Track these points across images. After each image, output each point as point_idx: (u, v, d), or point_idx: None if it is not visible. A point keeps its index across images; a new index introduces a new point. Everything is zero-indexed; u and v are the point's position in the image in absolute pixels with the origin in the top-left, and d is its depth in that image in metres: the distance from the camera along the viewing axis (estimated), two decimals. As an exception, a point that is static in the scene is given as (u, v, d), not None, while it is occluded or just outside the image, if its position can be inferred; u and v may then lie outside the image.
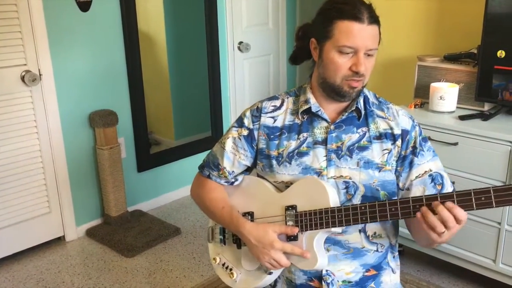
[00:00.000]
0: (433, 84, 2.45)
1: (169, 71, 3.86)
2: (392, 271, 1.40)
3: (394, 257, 1.42)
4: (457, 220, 1.11)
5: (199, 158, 1.52)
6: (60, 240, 2.98)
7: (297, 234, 1.28)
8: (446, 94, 2.39)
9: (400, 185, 1.33)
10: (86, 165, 3.00)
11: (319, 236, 1.27)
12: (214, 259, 1.49)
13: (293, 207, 1.29)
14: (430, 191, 1.30)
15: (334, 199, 1.25)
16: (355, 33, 1.20)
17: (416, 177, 1.31)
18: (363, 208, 1.20)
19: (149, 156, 3.35)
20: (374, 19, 1.23)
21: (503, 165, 2.13)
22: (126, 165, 3.15)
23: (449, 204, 1.10)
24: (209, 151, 1.52)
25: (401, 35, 2.94)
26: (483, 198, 1.09)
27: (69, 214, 2.95)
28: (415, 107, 2.55)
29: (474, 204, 1.10)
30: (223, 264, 1.47)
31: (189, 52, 3.81)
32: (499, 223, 2.20)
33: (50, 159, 2.81)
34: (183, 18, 3.79)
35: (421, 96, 2.60)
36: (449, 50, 2.63)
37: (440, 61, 2.58)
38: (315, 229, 1.25)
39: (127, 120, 3.15)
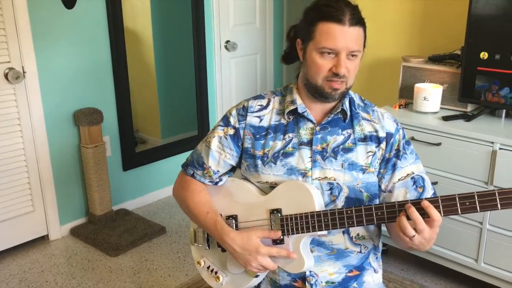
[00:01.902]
0: (417, 85, 2.47)
1: (155, 69, 3.84)
2: (374, 271, 1.41)
3: (376, 257, 1.43)
4: (431, 221, 1.11)
5: (185, 157, 1.51)
6: (43, 239, 2.96)
7: (283, 237, 1.28)
8: (430, 95, 2.41)
9: (383, 187, 1.34)
10: (71, 163, 2.97)
11: (305, 239, 1.28)
12: (199, 262, 1.48)
13: (278, 210, 1.29)
14: (412, 193, 1.32)
15: (319, 203, 1.25)
16: (335, 35, 1.21)
17: (399, 179, 1.32)
18: (349, 212, 1.20)
19: (135, 154, 3.33)
20: (357, 21, 1.22)
21: (485, 166, 2.16)
22: (111, 164, 3.13)
23: (424, 202, 1.11)
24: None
25: (387, 36, 2.97)
26: (467, 203, 1.10)
27: (53, 213, 2.93)
28: (399, 107, 2.57)
29: (459, 208, 1.11)
30: (208, 267, 1.46)
31: (176, 51, 3.79)
32: (481, 223, 2.23)
33: (34, 158, 2.79)
34: (170, 16, 3.77)
35: (406, 97, 2.62)
36: (434, 51, 2.66)
37: (425, 62, 2.60)
38: (301, 233, 1.25)
39: (113, 118, 3.13)
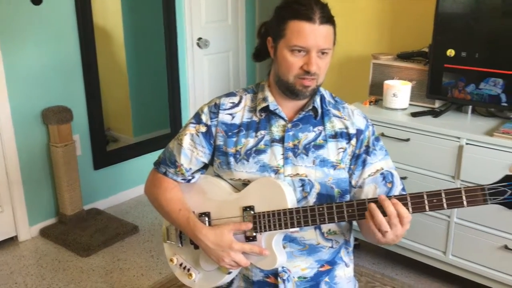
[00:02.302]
0: (386, 82, 2.52)
1: (127, 67, 3.80)
2: (346, 265, 1.43)
3: (348, 252, 1.45)
4: (400, 217, 1.13)
5: (158, 155, 1.50)
6: (12, 240, 2.89)
7: (255, 234, 1.29)
8: (399, 92, 2.46)
9: (353, 183, 1.36)
10: (40, 163, 2.92)
11: (278, 236, 1.28)
12: (171, 259, 1.48)
13: (251, 207, 1.29)
14: (381, 189, 1.34)
15: (291, 200, 1.26)
16: (306, 33, 1.22)
17: (369, 175, 1.34)
18: (320, 209, 1.21)
19: (106, 153, 3.28)
20: (327, 19, 1.24)
21: (452, 160, 2.21)
22: (81, 163, 3.09)
23: (393, 200, 1.13)
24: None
25: (357, 34, 3.01)
26: (435, 201, 1.12)
27: (21, 214, 2.86)
28: (370, 104, 2.61)
29: (426, 206, 1.13)
30: (181, 265, 1.46)
31: (148, 48, 3.76)
32: (449, 216, 2.28)
33: (1, 157, 2.72)
34: (141, 12, 3.73)
35: (376, 93, 2.67)
36: (402, 49, 2.71)
37: (394, 60, 2.65)
38: (273, 230, 1.26)
39: (83, 116, 3.08)
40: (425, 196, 1.13)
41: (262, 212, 1.27)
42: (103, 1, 3.55)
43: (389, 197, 1.16)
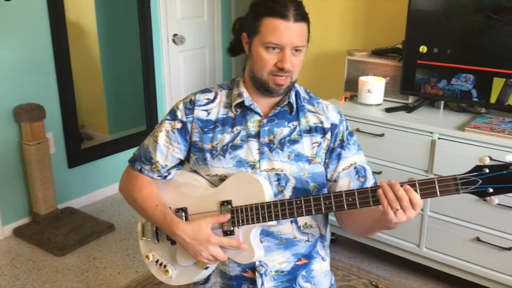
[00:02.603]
0: (361, 78, 2.54)
1: (101, 63, 3.74)
2: (322, 259, 1.45)
3: (324, 246, 1.46)
4: (412, 203, 1.13)
5: (134, 152, 1.49)
6: (-16, 241, 2.84)
7: (233, 229, 1.29)
8: (374, 88, 2.49)
9: (328, 176, 1.37)
10: (12, 161, 2.86)
11: (255, 230, 1.29)
12: (147, 256, 1.46)
13: (228, 202, 1.29)
14: (354, 182, 1.36)
15: (269, 194, 1.27)
16: (280, 30, 1.22)
17: (343, 169, 1.36)
18: (298, 202, 1.22)
19: (80, 151, 3.24)
20: (301, 17, 1.25)
21: (425, 154, 2.26)
22: (55, 161, 3.04)
23: (406, 186, 1.14)
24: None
25: (332, 31, 3.03)
26: None
27: (-7, 214, 2.81)
28: (345, 100, 2.64)
29: None
30: (157, 261, 1.45)
31: (122, 44, 3.71)
32: (422, 210, 2.33)
33: (-29, 156, 2.66)
34: (115, 8, 3.68)
35: (351, 90, 2.69)
36: (377, 45, 2.74)
37: (368, 56, 2.68)
38: (251, 224, 1.26)
39: (56, 114, 3.03)
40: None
41: (240, 206, 1.28)
42: (76, -3, 3.50)
43: (366, 189, 1.17)
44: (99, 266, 2.64)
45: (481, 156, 1.13)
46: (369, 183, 1.37)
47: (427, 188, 1.14)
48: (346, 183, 1.36)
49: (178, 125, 1.37)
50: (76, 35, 3.28)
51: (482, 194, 1.12)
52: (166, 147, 1.38)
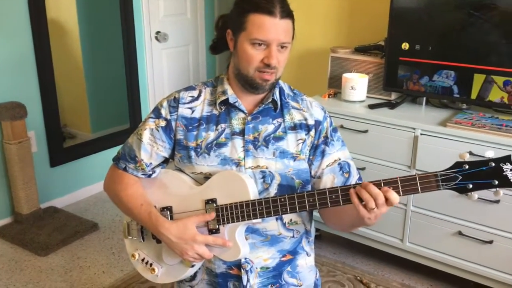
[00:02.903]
0: (345, 75, 2.56)
1: (83, 61, 3.70)
2: (307, 254, 1.46)
3: (308, 241, 1.48)
4: (388, 202, 1.15)
5: (117, 150, 1.47)
6: (-35, 242, 2.79)
7: (218, 227, 1.29)
8: (357, 84, 2.51)
9: (312, 173, 1.38)
10: (-7, 161, 2.82)
11: (241, 228, 1.29)
12: (133, 255, 1.46)
13: (213, 200, 1.30)
14: (339, 179, 1.37)
15: (253, 192, 1.27)
16: (267, 26, 1.23)
17: (327, 165, 1.37)
18: (282, 200, 1.23)
19: (63, 150, 3.20)
20: (287, 14, 1.26)
21: (408, 150, 2.28)
22: (37, 160, 3.00)
23: (384, 188, 1.15)
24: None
25: (315, 28, 3.04)
26: (391, 188, 1.15)
27: (-26, 214, 2.76)
28: (329, 97, 2.65)
29: None
30: (143, 260, 1.45)
31: (105, 42, 3.67)
32: (405, 205, 2.36)
33: (-49, 156, 2.61)
34: (97, 6, 3.64)
35: (334, 86, 2.71)
36: (360, 43, 2.76)
37: (351, 53, 2.70)
38: (236, 222, 1.27)
39: (37, 112, 2.99)
40: (382, 184, 1.16)
41: (225, 205, 1.28)
42: (56, -7, 3.45)
43: (349, 187, 1.18)
44: (83, 265, 2.62)
45: (461, 152, 1.15)
46: (353, 178, 1.38)
47: (408, 185, 1.15)
48: (330, 179, 1.37)
49: (163, 123, 1.37)
50: (57, 33, 3.24)
51: (462, 190, 1.14)
52: (151, 145, 1.37)
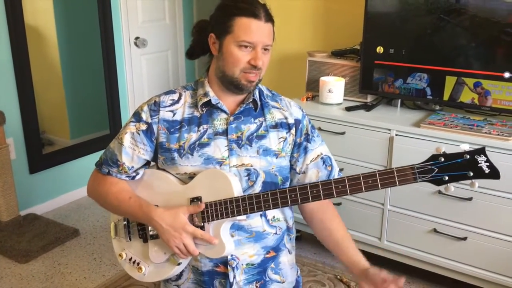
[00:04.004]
0: (322, 78, 2.62)
1: (61, 68, 3.69)
2: (289, 251, 1.50)
3: (290, 239, 1.52)
4: None
5: (97, 156, 1.49)
6: None
7: (203, 224, 1.32)
8: (334, 87, 2.57)
9: (297, 169, 1.44)
10: (-30, 168, 2.79)
11: (225, 225, 1.32)
12: (120, 255, 1.48)
13: (198, 198, 1.33)
14: (323, 172, 1.44)
15: (237, 189, 1.31)
16: (253, 29, 1.28)
17: (311, 161, 1.44)
18: (265, 196, 1.28)
19: (42, 156, 3.19)
20: (269, 17, 1.33)
21: (384, 151, 2.35)
22: (16, 167, 2.98)
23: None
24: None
25: (293, 33, 3.10)
26: (370, 181, 1.22)
27: (-48, 222, 2.73)
28: (307, 100, 2.71)
29: (363, 187, 1.23)
30: (130, 259, 1.47)
31: (83, 48, 3.67)
32: (383, 204, 2.42)
33: None
34: (75, 11, 3.64)
35: (312, 90, 2.77)
36: (336, 47, 2.82)
37: (328, 57, 2.76)
38: (221, 219, 1.30)
39: (16, 119, 2.97)
40: (361, 178, 1.22)
41: (210, 202, 1.31)
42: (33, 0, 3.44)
43: (329, 181, 1.25)
44: (64, 271, 2.61)
45: (438, 146, 1.20)
46: (335, 170, 1.47)
47: (386, 178, 1.20)
48: (314, 173, 1.44)
49: (143, 127, 1.39)
50: (34, 40, 3.23)
51: (438, 182, 1.19)
52: (132, 149, 1.39)
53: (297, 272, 1.57)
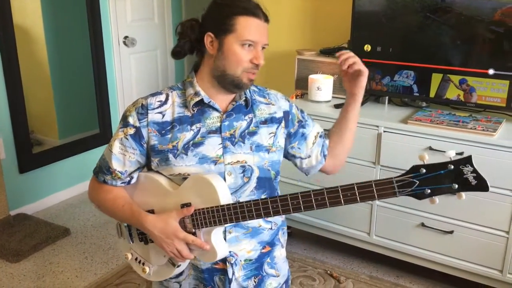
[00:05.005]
0: (311, 76, 2.65)
1: (49, 67, 3.67)
2: (282, 246, 1.53)
3: (283, 233, 1.55)
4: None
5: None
6: None
7: (195, 231, 1.33)
8: (323, 85, 2.60)
9: (303, 155, 1.49)
10: (-40, 168, 2.78)
11: (216, 231, 1.33)
12: (126, 255, 1.50)
13: (187, 205, 1.33)
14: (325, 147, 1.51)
15: (224, 196, 1.30)
16: (256, 28, 1.31)
17: (313, 143, 1.49)
18: (248, 205, 1.27)
19: (32, 156, 3.18)
20: (267, 17, 1.35)
21: (372, 147, 2.39)
22: (6, 167, 2.97)
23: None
24: (98, 147, 1.50)
25: (282, 32, 3.13)
26: (349, 194, 1.19)
27: None
28: (296, 97, 2.74)
29: (342, 200, 1.20)
30: (136, 259, 1.49)
31: (72, 47, 3.66)
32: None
33: None
34: (63, 11, 3.63)
35: (301, 87, 2.80)
36: (324, 45, 2.86)
37: (317, 55, 2.79)
38: (210, 226, 1.31)
39: (5, 119, 2.96)
40: (339, 190, 1.18)
41: (198, 209, 1.31)
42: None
43: (317, 191, 1.23)
44: (56, 270, 2.61)
45: (421, 153, 1.11)
46: (324, 134, 1.54)
47: (365, 192, 1.15)
48: (318, 151, 1.49)
49: (131, 131, 1.37)
50: (23, 39, 3.22)
51: (420, 196, 1.10)
52: (122, 154, 1.39)
53: (288, 265, 1.60)
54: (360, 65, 1.44)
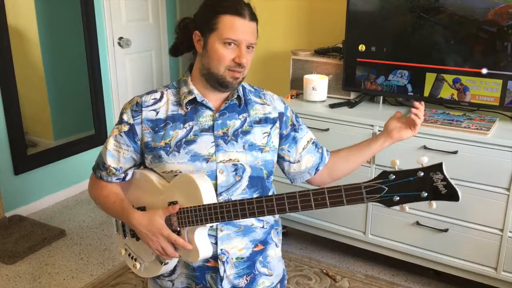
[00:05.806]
0: (306, 76, 2.66)
1: (44, 68, 3.66)
2: (276, 245, 1.54)
3: (277, 232, 1.55)
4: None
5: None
6: None
7: (179, 229, 1.34)
8: (318, 85, 2.61)
9: (291, 159, 1.49)
10: (-46, 170, 2.77)
11: (200, 230, 1.33)
12: (120, 251, 1.53)
13: (174, 203, 1.35)
14: (316, 155, 1.51)
15: (208, 195, 1.30)
16: (238, 27, 1.31)
17: (303, 148, 1.49)
18: (228, 206, 1.27)
19: (26, 157, 3.17)
20: (254, 17, 1.35)
21: (368, 147, 2.40)
22: (0, 168, 2.97)
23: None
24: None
25: (277, 32, 3.14)
26: (319, 199, 1.16)
27: None
28: (291, 97, 2.75)
29: (312, 204, 1.17)
30: (129, 255, 1.51)
31: (66, 48, 3.65)
32: (367, 199, 2.47)
33: None
34: (58, 12, 3.62)
35: (296, 88, 2.81)
36: (319, 45, 2.87)
37: (312, 55, 2.80)
38: (194, 225, 1.32)
39: (0, 120, 2.95)
40: (310, 194, 1.16)
41: (184, 208, 1.32)
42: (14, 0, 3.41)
43: (309, 191, 1.20)
44: (51, 271, 2.61)
45: (392, 159, 1.08)
46: (324, 150, 1.54)
47: (335, 197, 1.12)
48: (308, 159, 1.50)
49: (125, 128, 1.40)
50: (16, 40, 3.21)
51: (388, 203, 1.05)
52: (116, 151, 1.42)
53: (283, 265, 1.60)
54: (419, 126, 1.45)
